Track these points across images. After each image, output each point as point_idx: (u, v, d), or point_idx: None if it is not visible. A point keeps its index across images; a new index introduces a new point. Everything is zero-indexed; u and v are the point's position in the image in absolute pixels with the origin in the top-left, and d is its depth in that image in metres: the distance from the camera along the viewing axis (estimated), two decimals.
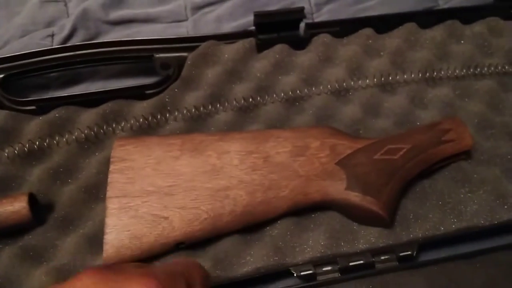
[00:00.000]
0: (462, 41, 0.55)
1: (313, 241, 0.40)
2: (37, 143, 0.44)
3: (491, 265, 0.41)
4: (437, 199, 0.43)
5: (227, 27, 0.59)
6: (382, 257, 0.40)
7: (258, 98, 0.49)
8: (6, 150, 0.44)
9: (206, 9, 0.61)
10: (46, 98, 0.48)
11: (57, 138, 0.45)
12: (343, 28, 0.54)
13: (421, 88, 0.51)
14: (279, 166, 0.41)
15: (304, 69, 0.51)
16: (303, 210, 0.42)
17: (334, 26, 0.54)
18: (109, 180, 0.40)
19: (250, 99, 0.48)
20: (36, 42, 0.56)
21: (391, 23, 0.55)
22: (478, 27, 0.56)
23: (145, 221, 0.38)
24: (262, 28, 0.51)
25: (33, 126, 0.46)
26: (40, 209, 0.42)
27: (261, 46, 0.52)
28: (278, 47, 0.52)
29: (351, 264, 0.39)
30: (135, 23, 0.60)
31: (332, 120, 0.48)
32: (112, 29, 0.59)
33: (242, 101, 0.48)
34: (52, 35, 0.57)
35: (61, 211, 0.42)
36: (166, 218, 0.39)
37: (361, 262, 0.40)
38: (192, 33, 0.59)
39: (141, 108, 0.48)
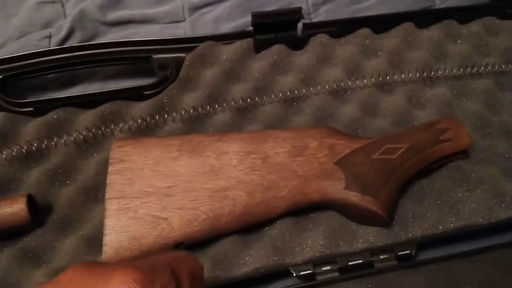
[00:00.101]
0: (459, 41, 0.55)
1: (312, 241, 0.41)
2: (35, 144, 0.44)
3: (489, 263, 0.42)
4: (435, 198, 0.43)
5: (225, 28, 0.59)
6: (381, 257, 0.40)
7: (256, 99, 0.49)
8: (4, 152, 0.44)
9: (204, 10, 0.61)
10: (44, 100, 0.48)
11: (55, 139, 0.45)
12: (340, 28, 0.54)
13: (419, 87, 0.51)
14: (277, 166, 0.41)
15: (302, 69, 0.51)
16: (302, 210, 0.42)
17: (332, 26, 0.54)
18: (107, 181, 0.40)
19: (248, 100, 0.48)
20: (33, 43, 0.56)
21: (388, 23, 0.55)
22: (475, 26, 0.56)
23: (144, 222, 0.38)
24: (260, 29, 0.51)
25: (31, 127, 0.46)
26: (38, 211, 0.42)
27: (259, 47, 0.52)
28: (276, 48, 0.52)
29: (350, 263, 0.40)
30: (133, 24, 0.60)
31: (330, 120, 0.48)
32: (109, 30, 0.59)
33: (240, 102, 0.48)
34: (50, 36, 0.57)
35: (59, 213, 0.42)
36: (165, 219, 0.39)
37: (360, 261, 0.40)
38: (189, 34, 0.59)
39: (139, 109, 0.48)
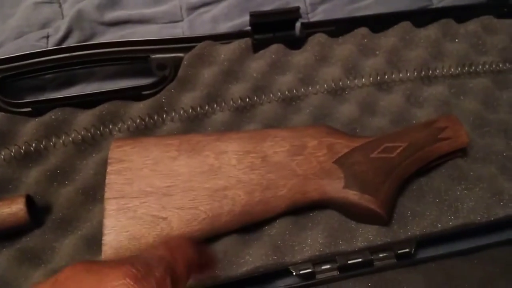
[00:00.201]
0: (456, 40, 0.55)
1: (312, 240, 0.41)
2: (34, 145, 0.44)
3: (488, 261, 0.42)
4: (434, 197, 0.43)
5: (223, 28, 0.59)
6: (381, 255, 0.40)
7: (255, 98, 0.49)
8: (2, 153, 0.44)
9: (202, 10, 0.61)
10: (42, 100, 0.48)
11: (53, 139, 0.45)
12: (338, 27, 0.54)
13: (417, 86, 0.51)
14: (277, 165, 0.41)
15: (300, 68, 0.51)
16: (301, 209, 0.42)
17: (330, 26, 0.54)
18: (106, 181, 0.40)
19: (247, 99, 0.48)
20: (31, 43, 0.56)
21: (386, 22, 0.55)
22: (472, 25, 0.56)
23: (143, 222, 0.38)
24: (258, 28, 0.51)
25: (29, 128, 0.46)
26: (37, 211, 0.41)
27: (257, 46, 0.52)
28: (274, 47, 0.52)
29: (349, 262, 0.40)
30: (130, 24, 0.60)
31: (328, 119, 0.48)
32: (107, 30, 0.59)
33: (239, 101, 0.48)
34: (47, 37, 0.57)
35: (58, 213, 0.42)
36: (164, 218, 0.39)
37: (360, 260, 0.40)
38: (187, 34, 0.59)
39: (137, 109, 0.48)
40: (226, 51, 0.51)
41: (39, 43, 0.56)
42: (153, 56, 0.51)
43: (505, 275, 0.41)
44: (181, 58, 0.51)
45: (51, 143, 0.45)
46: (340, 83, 0.50)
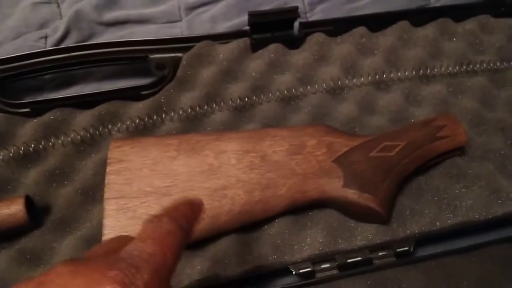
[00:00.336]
0: (454, 39, 0.56)
1: (311, 239, 0.41)
2: (32, 145, 0.44)
3: (486, 258, 0.42)
4: (433, 195, 0.43)
5: (221, 27, 0.59)
6: (380, 253, 0.41)
7: (254, 98, 0.49)
8: (1, 153, 0.44)
9: (200, 10, 0.61)
10: (41, 100, 0.48)
11: (52, 140, 0.45)
12: (337, 27, 0.54)
13: (415, 85, 0.51)
14: (276, 164, 0.41)
15: (299, 68, 0.51)
16: (301, 208, 0.42)
17: (328, 25, 0.54)
18: (106, 181, 0.40)
19: (246, 99, 0.49)
20: (29, 44, 0.56)
21: (384, 21, 0.55)
22: (470, 24, 0.56)
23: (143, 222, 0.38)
24: (256, 28, 0.52)
25: (28, 128, 0.46)
26: (36, 211, 0.41)
27: (256, 46, 0.52)
28: (273, 47, 0.52)
29: (349, 260, 0.40)
30: (129, 24, 0.60)
31: (327, 119, 0.48)
32: (105, 30, 0.59)
33: (238, 101, 0.48)
34: (46, 37, 0.57)
35: (58, 214, 0.42)
36: None
37: (359, 258, 0.40)
38: (186, 34, 0.59)
39: (136, 109, 0.48)
40: (224, 51, 0.51)
41: (38, 43, 0.56)
42: (152, 56, 0.51)
43: (504, 272, 0.42)
44: (180, 58, 0.51)
45: (50, 144, 0.45)
46: (339, 83, 0.50)
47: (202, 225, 0.39)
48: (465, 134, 0.44)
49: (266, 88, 0.50)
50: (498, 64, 0.53)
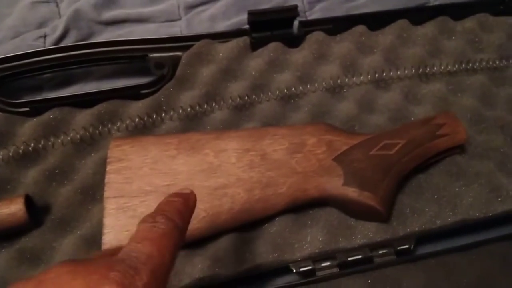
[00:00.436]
0: (453, 37, 0.56)
1: (312, 237, 0.41)
2: (32, 145, 0.44)
3: (486, 256, 0.42)
4: (433, 193, 0.43)
5: (221, 26, 0.59)
6: (380, 252, 0.41)
7: (254, 96, 0.49)
8: (1, 153, 0.43)
9: (199, 8, 0.61)
10: (40, 100, 0.48)
11: (52, 139, 0.45)
12: (336, 25, 0.54)
13: (415, 84, 0.51)
14: (276, 163, 0.41)
15: (298, 66, 0.51)
16: (301, 207, 0.42)
17: (327, 24, 0.54)
18: (106, 180, 0.40)
19: (246, 98, 0.48)
20: (28, 43, 0.56)
21: (384, 20, 0.55)
22: (469, 23, 0.56)
23: None
24: (256, 27, 0.51)
25: (27, 128, 0.46)
26: (36, 211, 0.41)
27: (255, 45, 0.52)
28: (272, 45, 0.52)
29: (349, 259, 0.40)
30: (128, 23, 0.59)
31: (327, 117, 0.48)
32: (104, 30, 0.58)
33: (238, 100, 0.48)
34: (44, 36, 0.57)
35: (57, 213, 0.42)
36: None
37: (360, 257, 0.40)
38: (185, 33, 0.59)
39: (136, 108, 0.48)
40: (224, 49, 0.51)
41: (36, 42, 0.56)
42: (151, 55, 0.51)
43: (503, 270, 0.42)
44: (179, 57, 0.51)
45: (50, 143, 0.45)
46: (339, 81, 0.50)
47: (202, 224, 0.39)
48: (465, 132, 0.44)
49: (266, 87, 0.50)
50: (497, 62, 0.53)
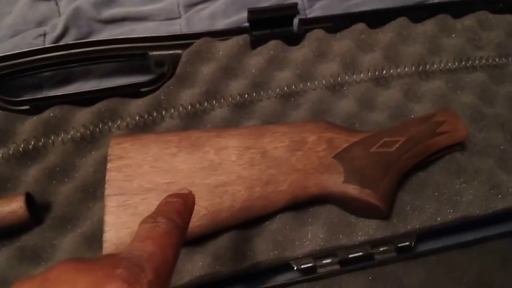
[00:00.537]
0: (453, 35, 0.56)
1: (312, 235, 0.41)
2: (32, 143, 0.44)
3: (486, 253, 0.42)
4: (433, 190, 0.43)
5: (220, 24, 0.59)
6: (381, 249, 0.41)
7: (254, 94, 0.49)
8: (1, 151, 0.43)
9: (199, 7, 0.61)
10: (40, 98, 0.48)
11: (52, 137, 0.45)
12: (336, 23, 0.54)
13: (415, 81, 0.51)
14: (276, 160, 0.41)
15: (298, 64, 0.51)
16: (302, 204, 0.42)
17: (327, 22, 0.54)
18: (107, 178, 0.40)
19: (246, 95, 0.48)
20: (28, 41, 0.56)
21: (383, 18, 0.55)
22: (468, 21, 0.56)
23: None
24: (256, 25, 0.51)
25: (28, 126, 0.45)
26: (37, 209, 0.41)
27: (255, 43, 0.52)
28: (272, 43, 0.52)
29: (350, 256, 0.40)
30: (128, 21, 0.59)
31: (327, 115, 0.48)
32: (104, 28, 0.58)
33: (238, 98, 0.48)
34: (44, 35, 0.57)
35: (58, 211, 0.42)
36: None
37: (360, 254, 0.40)
38: (185, 31, 0.59)
39: (136, 106, 0.48)
40: (224, 47, 0.51)
41: (36, 41, 0.56)
42: (151, 53, 0.51)
43: (503, 266, 0.42)
44: (179, 55, 0.51)
45: (50, 141, 0.45)
46: (339, 79, 0.50)
47: (203, 221, 0.39)
48: (465, 129, 0.44)
49: (266, 85, 0.50)
50: (497, 60, 0.53)
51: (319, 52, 0.53)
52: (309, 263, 0.39)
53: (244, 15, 0.51)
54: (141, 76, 0.52)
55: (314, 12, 0.62)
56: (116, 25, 0.59)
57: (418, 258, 0.41)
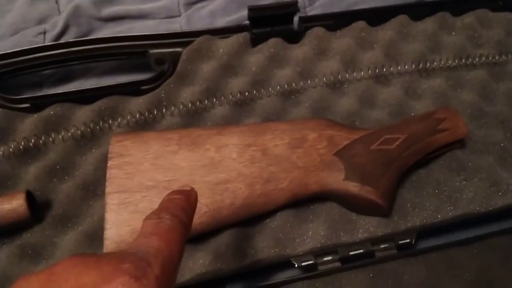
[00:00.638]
0: (453, 33, 0.56)
1: (313, 232, 0.41)
2: (33, 140, 0.44)
3: (487, 250, 0.42)
4: (434, 188, 0.43)
5: (220, 22, 0.59)
6: (382, 246, 0.41)
7: (254, 92, 0.49)
8: (1, 149, 0.43)
9: (199, 5, 0.61)
10: (41, 96, 0.48)
11: (52, 135, 0.45)
12: (336, 21, 0.54)
13: (415, 79, 0.52)
14: (277, 158, 0.41)
15: (299, 62, 0.51)
16: (302, 202, 0.42)
17: (328, 20, 0.54)
18: (107, 175, 0.40)
19: (246, 93, 0.48)
20: (28, 39, 0.56)
21: (383, 15, 0.55)
22: (468, 18, 0.56)
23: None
24: (256, 22, 0.51)
25: (28, 123, 0.45)
26: (37, 207, 0.41)
27: (256, 40, 0.52)
28: (272, 41, 0.52)
29: (351, 253, 0.40)
30: (128, 19, 0.59)
31: (328, 112, 0.48)
32: (104, 26, 0.58)
33: (238, 95, 0.48)
34: (44, 33, 0.57)
35: (59, 209, 0.42)
36: None
37: (361, 251, 0.40)
38: (185, 29, 0.59)
39: (137, 104, 0.48)
40: (224, 45, 0.51)
41: (36, 39, 0.56)
42: (152, 51, 0.51)
43: (504, 263, 0.42)
44: (179, 53, 0.51)
45: (50, 139, 0.45)
46: (339, 77, 0.50)
47: (204, 219, 0.39)
48: (465, 126, 0.44)
49: (266, 83, 0.50)
50: (497, 57, 0.53)
51: (320, 50, 0.53)
52: (310, 260, 0.40)
53: (244, 13, 0.51)
54: (142, 74, 0.52)
55: (314, 10, 0.62)
56: (116, 23, 0.59)
57: (418, 255, 0.41)
